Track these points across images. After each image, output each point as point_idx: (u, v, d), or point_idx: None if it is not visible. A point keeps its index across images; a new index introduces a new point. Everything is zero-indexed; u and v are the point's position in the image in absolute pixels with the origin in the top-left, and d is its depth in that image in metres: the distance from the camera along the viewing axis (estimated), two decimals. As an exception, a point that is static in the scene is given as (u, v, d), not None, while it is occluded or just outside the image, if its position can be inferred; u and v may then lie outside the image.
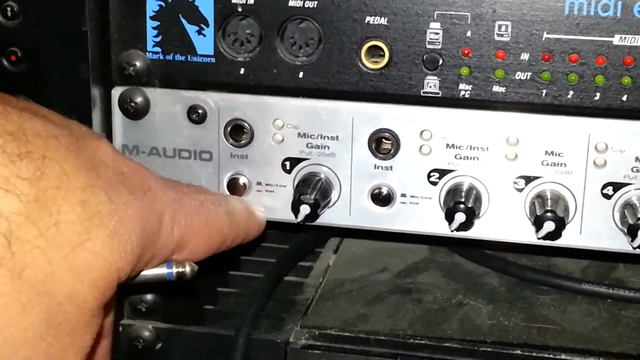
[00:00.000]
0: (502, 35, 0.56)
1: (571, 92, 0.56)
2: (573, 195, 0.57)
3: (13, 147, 0.40)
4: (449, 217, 0.57)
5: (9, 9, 0.60)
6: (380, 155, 0.59)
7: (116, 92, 0.61)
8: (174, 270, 0.51)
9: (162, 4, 0.59)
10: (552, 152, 0.57)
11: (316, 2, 0.57)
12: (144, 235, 0.46)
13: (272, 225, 0.62)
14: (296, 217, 0.58)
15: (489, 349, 0.60)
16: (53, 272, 0.41)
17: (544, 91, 0.56)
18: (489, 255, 0.71)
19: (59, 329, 0.42)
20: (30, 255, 0.40)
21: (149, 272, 0.50)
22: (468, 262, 0.72)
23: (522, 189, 0.58)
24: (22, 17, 0.60)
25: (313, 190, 0.58)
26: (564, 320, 0.63)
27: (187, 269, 0.51)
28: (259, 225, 0.60)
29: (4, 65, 0.61)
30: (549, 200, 0.57)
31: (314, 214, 0.58)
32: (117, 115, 0.61)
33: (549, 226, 0.55)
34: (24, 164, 0.40)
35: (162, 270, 0.51)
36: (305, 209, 0.58)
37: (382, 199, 0.59)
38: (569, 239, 0.58)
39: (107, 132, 0.61)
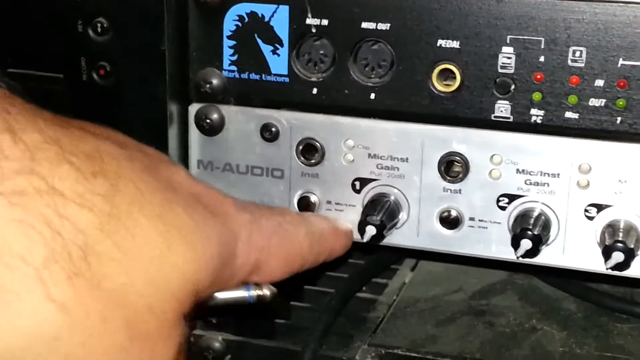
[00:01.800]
0: (576, 61, 0.55)
1: (647, 121, 0.55)
2: (647, 225, 0.56)
3: (87, 166, 0.41)
4: (515, 244, 0.56)
5: (99, 25, 0.62)
6: (450, 178, 0.58)
7: (193, 108, 0.62)
8: (254, 293, 0.52)
9: (239, 24, 0.60)
10: (625, 181, 0.56)
11: (389, 25, 0.57)
12: (222, 253, 0.47)
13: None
14: (362, 237, 0.59)
15: (558, 378, 0.59)
16: (131, 284, 0.42)
17: (619, 118, 0.55)
18: (569, 280, 0.69)
19: (140, 339, 0.42)
20: (107, 267, 0.41)
21: (228, 295, 0.51)
22: (547, 286, 0.71)
23: (593, 217, 0.57)
24: (112, 33, 0.62)
25: (380, 212, 0.58)
26: (641, 351, 0.62)
27: (267, 292, 0.52)
28: (345, 243, 0.61)
29: (94, 78, 0.63)
30: (621, 231, 0.55)
31: (379, 235, 0.58)
32: (193, 131, 0.62)
33: (618, 257, 0.54)
34: (98, 181, 0.41)
35: (241, 293, 0.51)
36: (370, 230, 0.58)
37: (450, 221, 0.59)
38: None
39: (183, 147, 0.63)
